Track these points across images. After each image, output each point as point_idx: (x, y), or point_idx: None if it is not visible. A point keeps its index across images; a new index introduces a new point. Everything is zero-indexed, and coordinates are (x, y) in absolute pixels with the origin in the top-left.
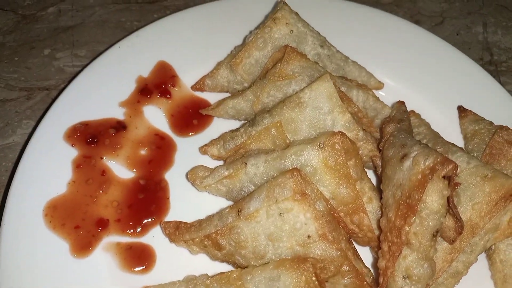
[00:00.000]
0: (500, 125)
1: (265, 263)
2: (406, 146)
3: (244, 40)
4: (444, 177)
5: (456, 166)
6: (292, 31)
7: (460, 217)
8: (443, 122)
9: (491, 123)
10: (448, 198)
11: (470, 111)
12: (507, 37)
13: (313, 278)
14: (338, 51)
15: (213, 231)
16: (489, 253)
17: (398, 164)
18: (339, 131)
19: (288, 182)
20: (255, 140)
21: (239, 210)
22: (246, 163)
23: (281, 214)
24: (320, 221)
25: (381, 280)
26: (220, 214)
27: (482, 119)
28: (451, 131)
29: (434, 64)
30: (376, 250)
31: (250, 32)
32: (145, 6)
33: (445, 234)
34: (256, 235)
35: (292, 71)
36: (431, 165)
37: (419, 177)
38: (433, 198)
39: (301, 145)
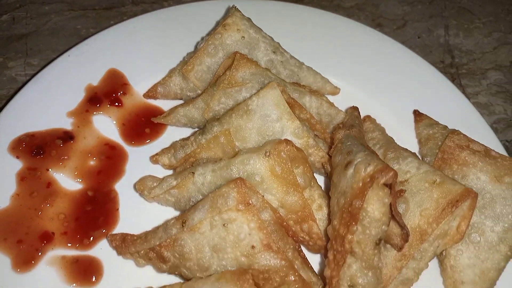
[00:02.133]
0: (453, 130)
1: (208, 275)
2: (352, 153)
3: (196, 46)
4: (385, 184)
5: (395, 174)
6: (243, 37)
7: (405, 225)
8: (399, 127)
9: (445, 127)
10: (390, 205)
11: (425, 115)
12: (469, 40)
13: None
14: (292, 57)
15: (157, 243)
16: (441, 258)
17: (343, 171)
18: (285, 139)
19: (232, 192)
20: (204, 149)
21: (184, 221)
22: (193, 173)
23: (225, 225)
24: (265, 231)
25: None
26: (165, 225)
27: (437, 123)
28: (407, 136)
29: (391, 68)
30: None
31: (202, 38)
32: (102, 12)
33: (392, 241)
34: (200, 246)
35: (242, 78)
36: (371, 172)
37: (360, 184)
38: (374, 206)
39: (248, 154)
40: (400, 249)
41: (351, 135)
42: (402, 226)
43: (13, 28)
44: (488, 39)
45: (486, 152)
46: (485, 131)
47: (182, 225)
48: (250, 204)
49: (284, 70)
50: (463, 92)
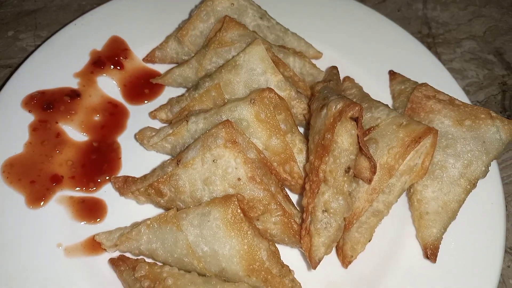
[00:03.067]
0: (422, 83)
1: (199, 204)
2: (327, 98)
3: (189, 14)
4: (352, 118)
5: (361, 108)
6: (233, 4)
7: (372, 156)
8: (376, 87)
9: (416, 82)
10: (357, 136)
11: (399, 74)
12: (445, 13)
13: (238, 211)
14: (278, 23)
15: (155, 180)
16: (409, 195)
17: (318, 114)
18: (268, 88)
19: (220, 132)
20: (197, 102)
21: (178, 160)
22: (187, 121)
23: (215, 161)
24: (249, 165)
25: (304, 216)
26: (162, 165)
27: (408, 79)
28: (383, 96)
29: (370, 35)
30: None
31: (195, 6)
32: None
33: (362, 175)
34: (193, 180)
35: (231, 39)
36: (340, 108)
37: (331, 120)
38: (343, 138)
39: (235, 102)
40: (369, 181)
41: (328, 86)
42: (369, 158)
43: (23, 5)
44: (464, 12)
45: (451, 101)
46: (456, 91)
47: (177, 163)
48: (236, 142)
49: (270, 34)
50: (439, 59)
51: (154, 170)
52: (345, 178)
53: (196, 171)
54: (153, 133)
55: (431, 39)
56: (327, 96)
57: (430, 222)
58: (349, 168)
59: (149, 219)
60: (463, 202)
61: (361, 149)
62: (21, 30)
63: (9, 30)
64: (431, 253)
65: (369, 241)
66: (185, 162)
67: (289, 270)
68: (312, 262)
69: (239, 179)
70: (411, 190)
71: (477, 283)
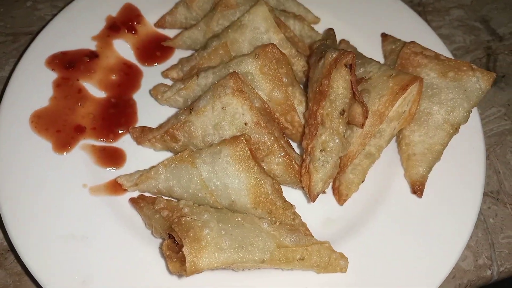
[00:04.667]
0: (410, 41)
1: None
2: (324, 52)
3: None
4: (346, 65)
5: (354, 55)
6: None
7: (363, 101)
8: (369, 49)
9: (405, 42)
10: (351, 82)
11: (390, 35)
12: None
13: (246, 148)
14: None
15: (170, 127)
16: (398, 140)
17: (316, 65)
18: (271, 43)
19: (229, 82)
20: (206, 60)
21: (191, 109)
22: (197, 76)
23: (224, 108)
24: (255, 111)
25: (304, 156)
26: (176, 114)
27: (399, 40)
28: (375, 57)
29: (365, 2)
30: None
31: None
32: None
33: (356, 120)
34: (204, 126)
35: (235, 2)
36: (335, 56)
37: (328, 68)
38: (338, 83)
39: (241, 57)
40: (362, 125)
41: (325, 44)
42: (362, 102)
43: None
44: None
45: (436, 56)
46: (444, 53)
47: (190, 111)
48: (243, 91)
49: (271, 0)
50: (429, 25)
51: (168, 119)
52: (340, 120)
53: (207, 118)
54: (166, 89)
55: (422, 8)
56: (325, 50)
57: (417, 162)
58: (343, 111)
59: (166, 159)
60: (447, 145)
61: (354, 94)
62: (39, 0)
63: (28, 0)
64: (417, 188)
65: (362, 181)
66: (197, 110)
67: (291, 204)
68: (311, 196)
69: (245, 123)
70: (400, 136)
71: (458, 216)
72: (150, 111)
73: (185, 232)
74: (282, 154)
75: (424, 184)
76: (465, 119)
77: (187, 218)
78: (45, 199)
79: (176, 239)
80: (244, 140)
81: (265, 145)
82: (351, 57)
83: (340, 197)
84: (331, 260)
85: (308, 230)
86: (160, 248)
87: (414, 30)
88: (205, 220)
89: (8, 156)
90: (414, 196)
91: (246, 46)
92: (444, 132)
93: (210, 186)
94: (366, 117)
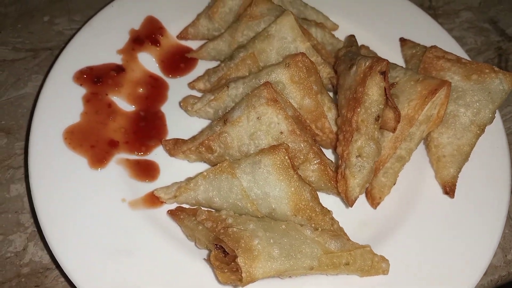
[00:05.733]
0: (431, 46)
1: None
2: (354, 59)
3: None
4: (380, 72)
5: (388, 62)
6: None
7: (397, 106)
8: (388, 54)
9: (425, 46)
10: (385, 89)
11: (409, 40)
12: None
13: (286, 157)
14: None
15: (205, 138)
16: (427, 143)
17: (347, 72)
18: (301, 52)
19: (263, 92)
20: (233, 71)
21: (225, 120)
22: (228, 86)
23: (259, 118)
24: (289, 120)
25: (339, 162)
26: (210, 125)
27: (418, 44)
28: (395, 61)
29: (382, 7)
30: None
31: None
32: None
33: (388, 125)
34: (240, 136)
35: (260, 13)
36: (369, 64)
37: (362, 75)
38: (373, 90)
39: (272, 67)
40: (394, 130)
41: (351, 51)
42: (394, 107)
43: None
44: None
45: (458, 60)
46: (461, 55)
47: (225, 122)
48: (277, 100)
49: (292, 9)
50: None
51: (202, 131)
52: (375, 126)
53: (242, 128)
54: (196, 100)
55: (432, 11)
56: (353, 57)
57: (447, 163)
58: (378, 116)
59: (204, 171)
60: (474, 146)
61: (388, 100)
62: (56, 15)
63: (45, 15)
64: (449, 189)
65: (394, 184)
66: (232, 121)
67: (328, 210)
68: (349, 201)
69: (281, 132)
70: (428, 138)
71: (489, 214)
72: (178, 123)
73: (236, 243)
74: (317, 161)
75: (455, 185)
76: (491, 120)
77: (234, 229)
78: (86, 215)
79: (226, 249)
80: (284, 150)
81: (301, 153)
82: (385, 65)
83: (374, 200)
84: (374, 263)
85: (346, 234)
86: (206, 259)
87: (430, 33)
88: (251, 229)
89: (46, 174)
90: (444, 197)
91: (274, 55)
92: (471, 133)
93: (251, 195)
94: (398, 122)
